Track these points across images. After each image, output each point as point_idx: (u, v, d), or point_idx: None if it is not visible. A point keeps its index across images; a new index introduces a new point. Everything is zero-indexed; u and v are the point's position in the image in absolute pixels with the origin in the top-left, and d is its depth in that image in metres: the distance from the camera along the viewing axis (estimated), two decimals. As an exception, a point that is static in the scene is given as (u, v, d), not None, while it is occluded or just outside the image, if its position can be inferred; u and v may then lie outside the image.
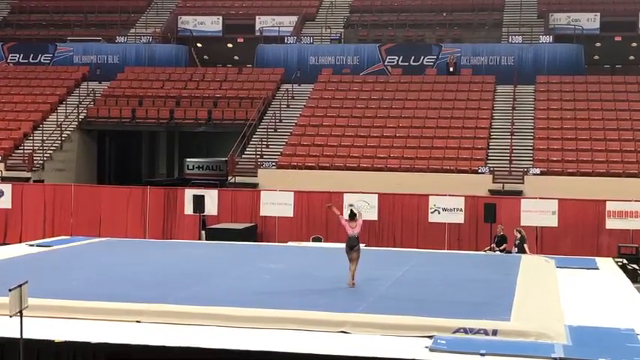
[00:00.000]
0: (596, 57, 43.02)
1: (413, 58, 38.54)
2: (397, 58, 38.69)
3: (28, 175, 31.81)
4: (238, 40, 43.25)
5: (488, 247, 23.95)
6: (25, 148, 33.54)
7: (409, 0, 43.49)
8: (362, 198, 26.75)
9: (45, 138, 33.61)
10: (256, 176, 30.40)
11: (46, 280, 15.36)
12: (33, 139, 33.80)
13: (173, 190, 28.80)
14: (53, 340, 11.72)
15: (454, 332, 12.07)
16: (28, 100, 36.88)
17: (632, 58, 42.89)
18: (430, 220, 26.69)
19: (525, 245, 22.66)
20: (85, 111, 35.89)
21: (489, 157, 30.81)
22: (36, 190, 29.32)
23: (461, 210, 26.57)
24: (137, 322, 12.77)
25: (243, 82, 37.61)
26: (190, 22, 42.98)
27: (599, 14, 40.38)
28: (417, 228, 26.81)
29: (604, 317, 13.70)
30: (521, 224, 24.68)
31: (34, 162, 32.33)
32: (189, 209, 27.49)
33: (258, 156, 31.72)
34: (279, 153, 31.76)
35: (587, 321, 13.29)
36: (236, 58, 45.62)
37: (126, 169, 40.65)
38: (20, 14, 46.15)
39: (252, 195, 28.00)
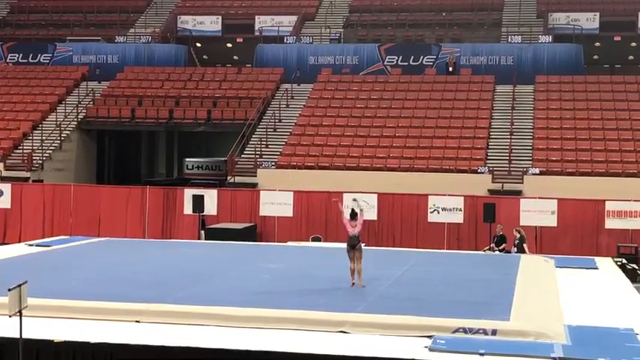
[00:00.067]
0: (596, 57, 43.01)
1: (412, 57, 38.51)
2: (396, 57, 38.66)
3: (27, 174, 31.80)
4: (238, 40, 43.22)
5: (488, 247, 23.95)
6: (25, 147, 33.52)
7: (409, 0, 43.47)
8: (361, 198, 26.67)
9: (44, 138, 33.58)
10: (256, 176, 30.38)
11: (45, 280, 15.37)
12: (32, 139, 33.80)
13: (172, 190, 28.80)
14: (52, 340, 11.72)
15: (453, 332, 12.09)
16: (27, 100, 36.86)
17: (631, 57, 42.89)
18: (429, 219, 26.69)
19: (525, 245, 22.65)
20: (85, 111, 35.88)
21: (489, 157, 30.79)
22: (35, 190, 29.31)
23: (460, 210, 26.57)
24: (136, 322, 12.78)
25: (242, 81, 37.59)
26: (190, 22, 42.96)
27: (598, 14, 40.36)
28: (417, 228, 26.81)
29: (603, 317, 13.71)
30: (521, 224, 24.68)
31: (34, 162, 32.31)
32: (188, 209, 27.49)
33: (257, 156, 31.71)
34: (278, 153, 31.75)
35: (586, 321, 13.31)
36: (235, 57, 45.61)
37: (125, 169, 40.64)
38: (19, 14, 46.10)
39: (252, 195, 28.00)
